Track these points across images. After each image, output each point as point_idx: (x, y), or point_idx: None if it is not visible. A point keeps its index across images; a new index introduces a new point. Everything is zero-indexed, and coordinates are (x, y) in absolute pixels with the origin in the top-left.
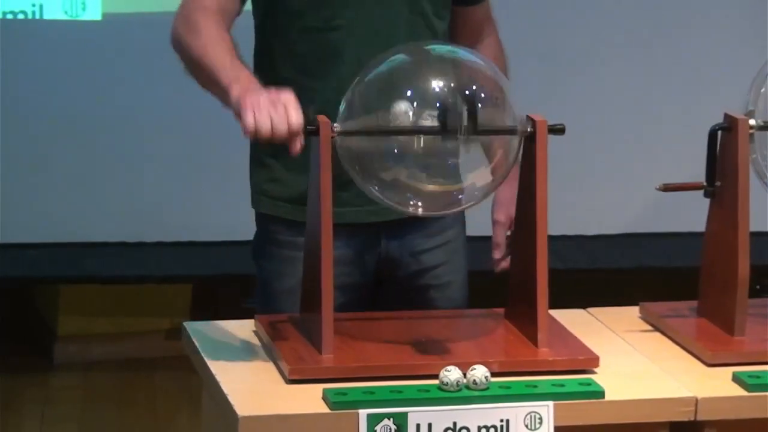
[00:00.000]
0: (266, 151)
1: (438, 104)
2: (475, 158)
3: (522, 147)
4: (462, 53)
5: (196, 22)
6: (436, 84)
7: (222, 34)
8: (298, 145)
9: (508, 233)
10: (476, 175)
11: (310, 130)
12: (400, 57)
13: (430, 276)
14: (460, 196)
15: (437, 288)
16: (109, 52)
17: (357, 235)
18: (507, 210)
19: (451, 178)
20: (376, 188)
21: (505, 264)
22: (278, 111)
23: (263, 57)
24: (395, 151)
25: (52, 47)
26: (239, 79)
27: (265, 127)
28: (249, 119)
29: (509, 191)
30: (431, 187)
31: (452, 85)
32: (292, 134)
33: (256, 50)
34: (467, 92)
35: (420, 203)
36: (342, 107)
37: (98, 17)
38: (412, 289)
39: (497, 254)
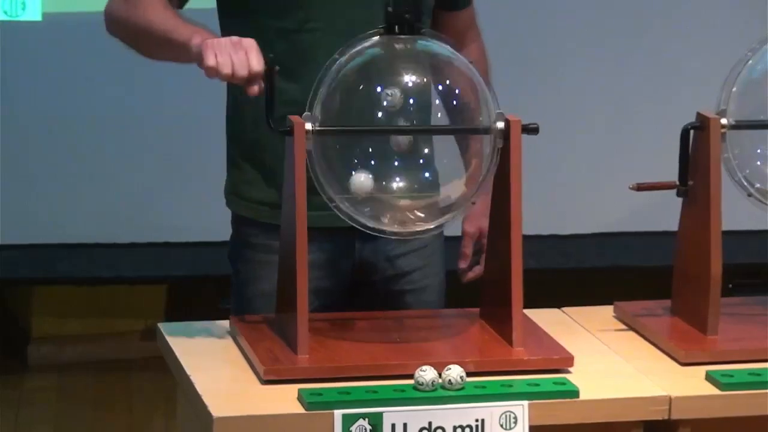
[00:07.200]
0: (242, 154)
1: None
2: (451, 166)
3: (497, 150)
4: (437, 48)
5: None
6: (409, 78)
7: (164, 3)
8: (255, 88)
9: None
10: (451, 186)
11: (284, 130)
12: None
13: (405, 281)
14: (437, 208)
15: (413, 293)
16: (49, 52)
17: (332, 240)
18: (477, 222)
19: (427, 189)
20: (347, 203)
21: (471, 274)
22: (239, 54)
23: None
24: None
25: None
26: (199, 32)
27: (225, 68)
28: (210, 60)
29: (481, 203)
30: (405, 202)
31: (424, 79)
32: (251, 77)
33: None
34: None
35: (395, 218)
36: (316, 106)
37: (38, 17)
38: (388, 294)
39: (462, 264)
